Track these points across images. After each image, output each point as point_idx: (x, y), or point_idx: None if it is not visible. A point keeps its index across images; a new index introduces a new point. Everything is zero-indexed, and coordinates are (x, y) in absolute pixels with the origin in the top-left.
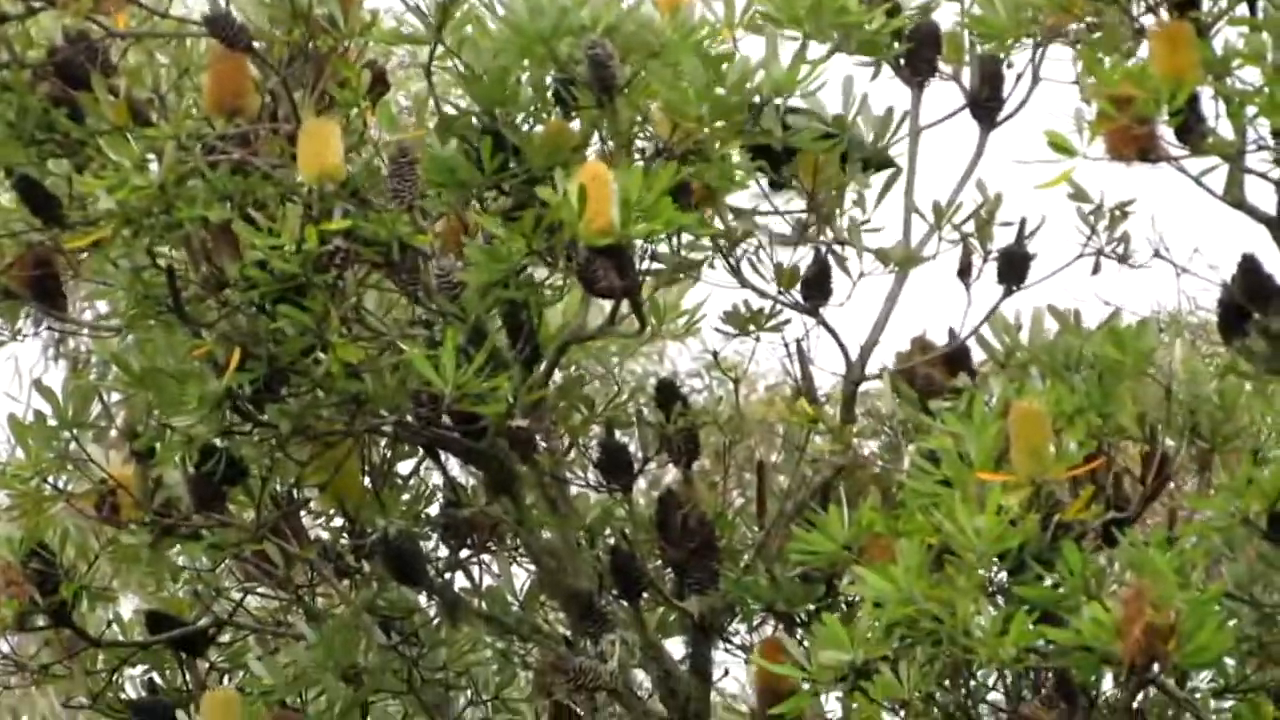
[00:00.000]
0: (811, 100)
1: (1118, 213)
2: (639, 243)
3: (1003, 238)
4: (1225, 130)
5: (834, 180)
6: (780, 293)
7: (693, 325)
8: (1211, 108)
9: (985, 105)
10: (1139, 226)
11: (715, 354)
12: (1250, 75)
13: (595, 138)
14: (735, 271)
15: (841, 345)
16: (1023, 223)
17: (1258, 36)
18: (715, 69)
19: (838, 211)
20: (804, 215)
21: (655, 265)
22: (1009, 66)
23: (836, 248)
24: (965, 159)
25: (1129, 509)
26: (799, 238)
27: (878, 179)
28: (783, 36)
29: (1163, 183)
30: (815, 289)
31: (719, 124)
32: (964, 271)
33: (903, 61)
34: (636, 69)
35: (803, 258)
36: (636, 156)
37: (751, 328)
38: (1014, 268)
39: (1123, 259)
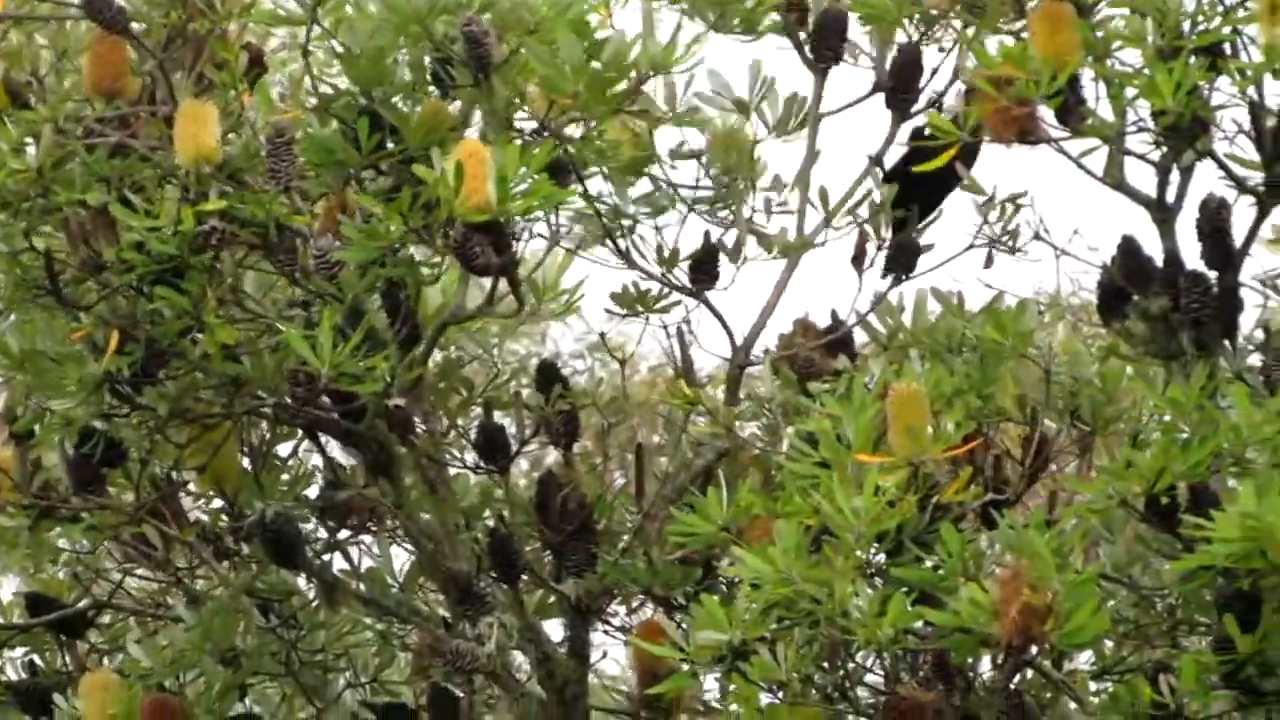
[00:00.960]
0: (718, 82)
1: (1010, 204)
2: (520, 222)
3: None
4: (1105, 112)
5: (745, 157)
6: (664, 273)
7: (572, 304)
8: (1092, 89)
9: (900, 95)
10: (1020, 209)
11: (603, 335)
12: (1131, 57)
13: (473, 116)
14: (622, 253)
15: (727, 328)
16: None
17: (1138, 18)
18: (592, 45)
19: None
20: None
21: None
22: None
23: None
24: (868, 145)
25: (1008, 491)
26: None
27: (786, 157)
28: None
29: (1043, 164)
30: (702, 272)
31: (596, 100)
32: (858, 259)
33: (807, 47)
34: (513, 47)
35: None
36: (514, 134)
37: (639, 308)
38: (904, 257)
39: (1013, 250)
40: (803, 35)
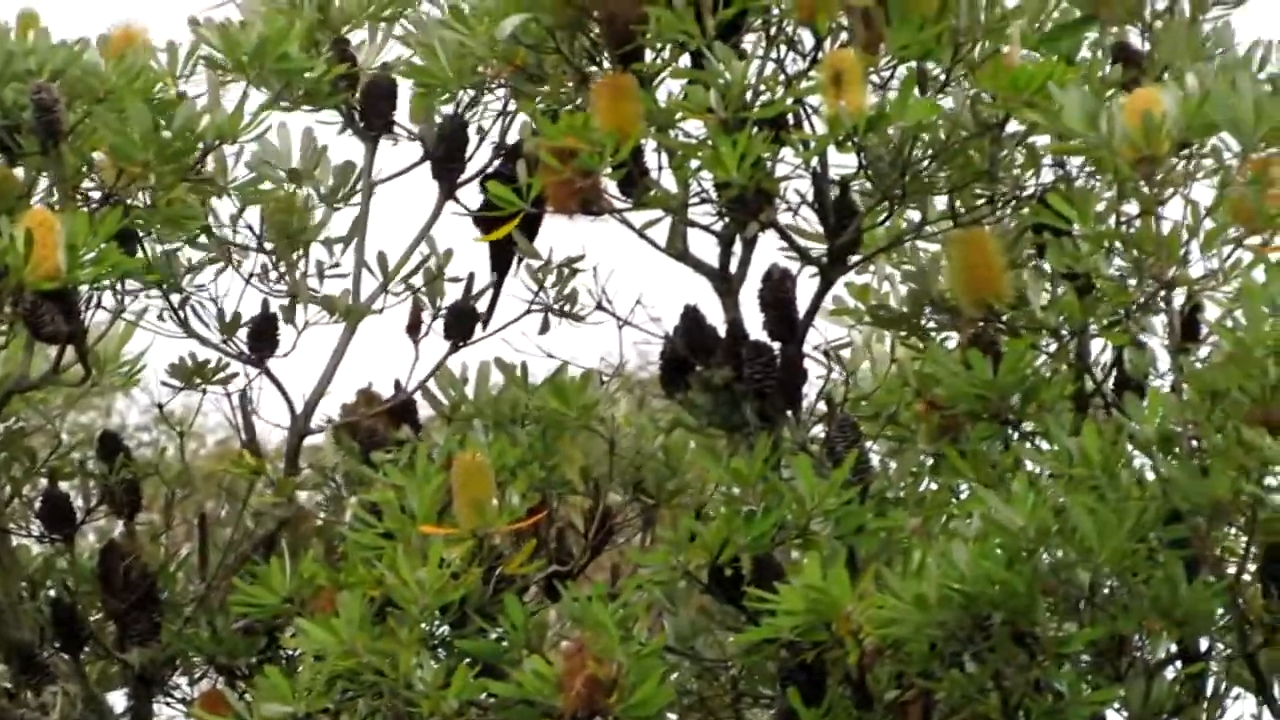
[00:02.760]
0: (270, 150)
1: (566, 269)
2: (85, 291)
3: (453, 293)
4: (669, 183)
5: (294, 228)
6: (225, 342)
7: (134, 375)
8: (655, 160)
9: (446, 165)
10: (583, 279)
11: (161, 407)
12: (694, 127)
13: (42, 184)
14: (182, 322)
15: (287, 397)
16: (470, 279)
17: (700, 89)
18: (161, 113)
19: (297, 259)
20: (265, 261)
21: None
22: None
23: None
24: (421, 213)
25: (572, 563)
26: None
27: (339, 227)
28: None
29: (608, 235)
30: (260, 339)
31: (165, 168)
32: (413, 327)
33: (357, 116)
34: (82, 114)
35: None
36: (82, 203)
37: (198, 380)
38: (461, 323)
39: (571, 316)
40: (353, 104)
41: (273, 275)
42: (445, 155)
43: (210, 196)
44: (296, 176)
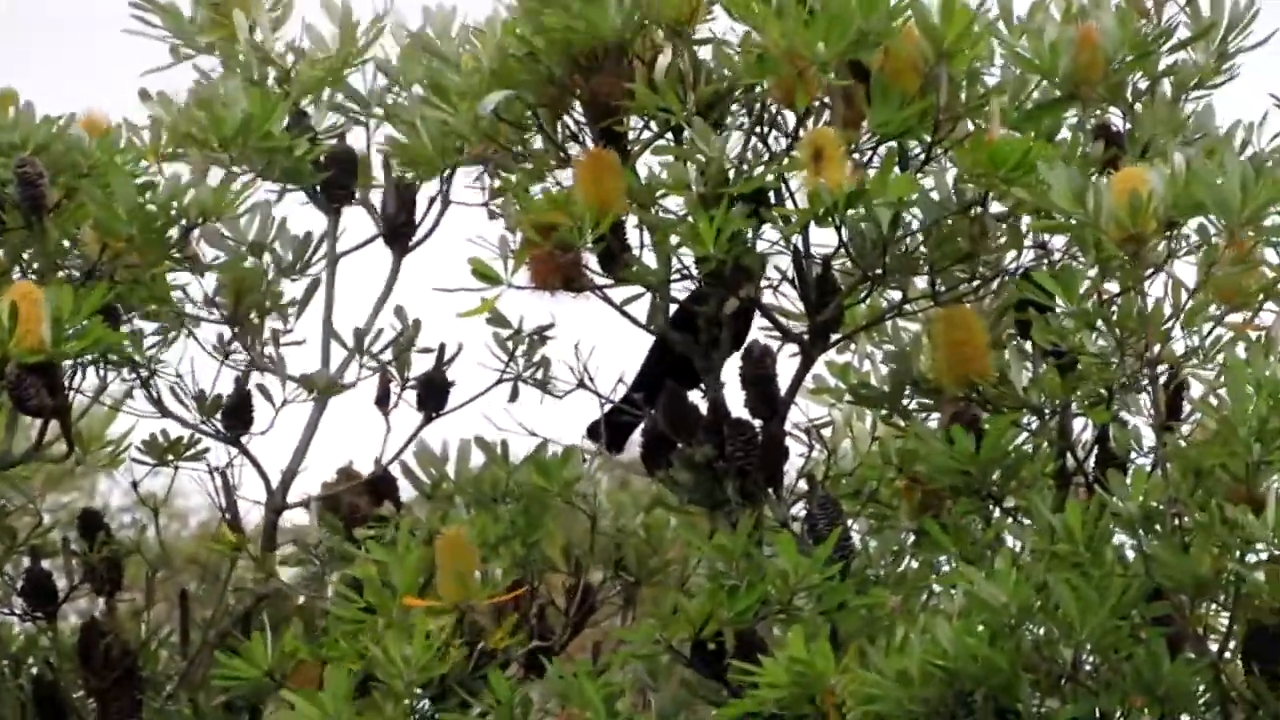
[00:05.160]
0: (230, 224)
1: (536, 338)
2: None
3: (422, 364)
4: (649, 259)
5: (256, 302)
6: (202, 421)
7: (118, 456)
8: (636, 236)
9: (399, 231)
10: (565, 355)
11: (135, 484)
12: (675, 204)
13: (25, 259)
14: (155, 401)
15: (263, 473)
16: (441, 349)
17: (681, 165)
18: (144, 190)
19: (260, 335)
20: (226, 336)
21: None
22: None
23: (258, 375)
24: (381, 285)
25: (554, 639)
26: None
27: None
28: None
29: (588, 311)
30: (236, 417)
31: (149, 245)
32: (382, 399)
33: (318, 187)
34: (66, 189)
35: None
36: (65, 278)
37: (170, 457)
38: (433, 395)
39: (542, 385)
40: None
41: (236, 348)
42: (400, 222)
43: (189, 273)
44: (258, 249)
